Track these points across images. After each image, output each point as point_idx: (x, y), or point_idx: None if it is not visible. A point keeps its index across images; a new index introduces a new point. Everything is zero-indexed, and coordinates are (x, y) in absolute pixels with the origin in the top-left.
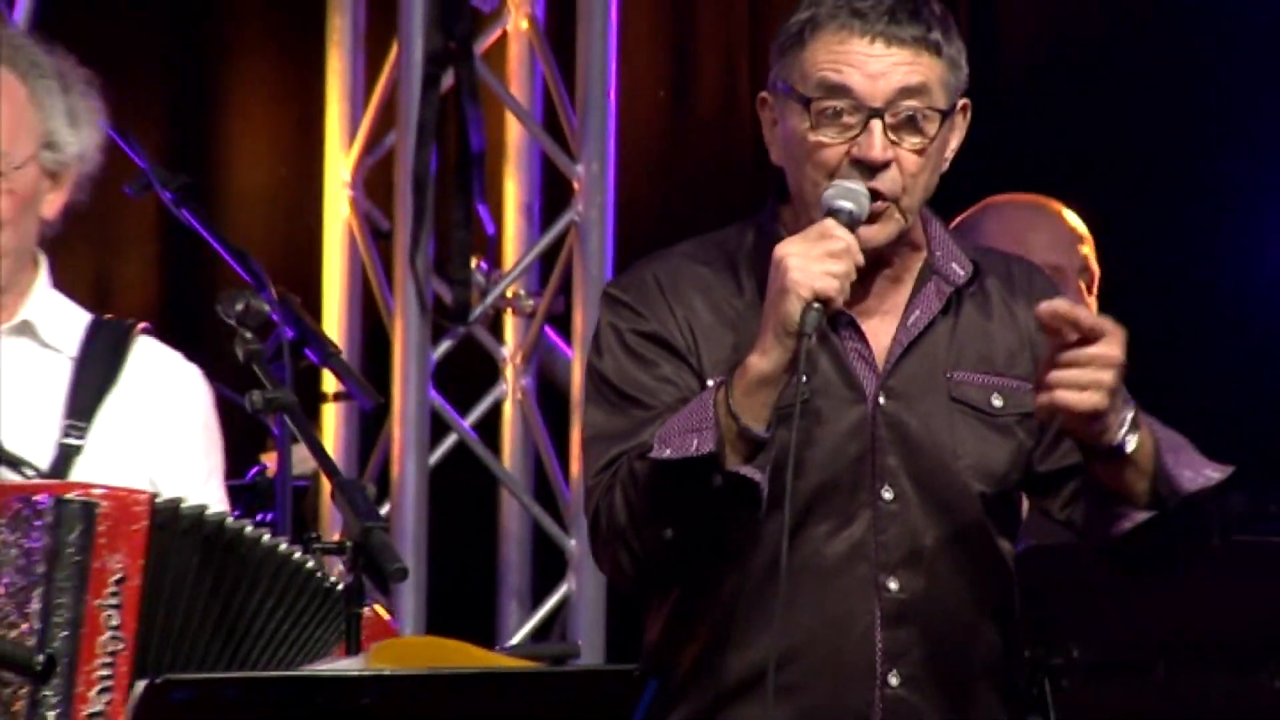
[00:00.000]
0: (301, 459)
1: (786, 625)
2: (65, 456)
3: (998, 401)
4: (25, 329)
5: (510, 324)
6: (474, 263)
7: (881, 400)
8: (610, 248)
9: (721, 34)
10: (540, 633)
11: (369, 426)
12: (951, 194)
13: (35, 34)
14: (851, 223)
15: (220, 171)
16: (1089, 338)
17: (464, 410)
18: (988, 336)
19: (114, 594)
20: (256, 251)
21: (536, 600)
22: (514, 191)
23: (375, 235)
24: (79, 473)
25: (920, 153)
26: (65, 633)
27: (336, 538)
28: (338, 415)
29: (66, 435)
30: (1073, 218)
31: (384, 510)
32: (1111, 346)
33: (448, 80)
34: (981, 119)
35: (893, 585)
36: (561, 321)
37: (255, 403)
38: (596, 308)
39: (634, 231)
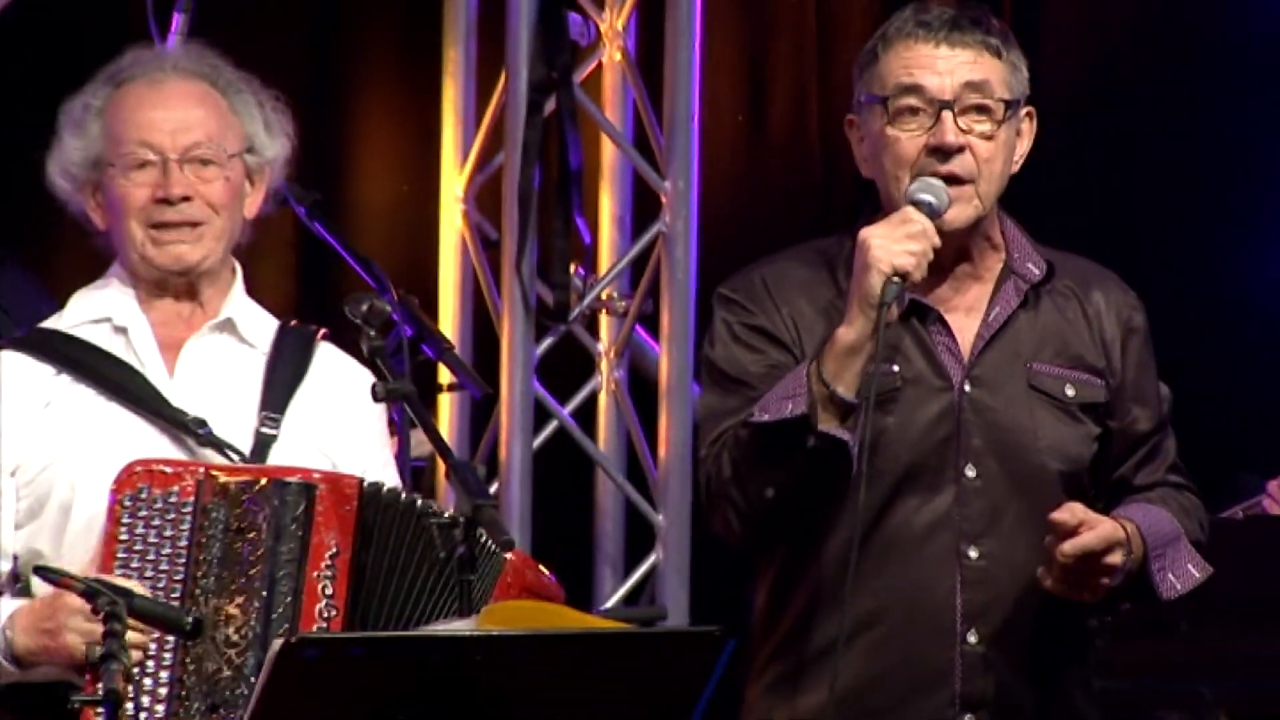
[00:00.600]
0: (419, 443)
1: (876, 589)
2: (263, 444)
3: (1070, 391)
4: (227, 325)
5: (605, 323)
6: (572, 268)
7: (967, 388)
8: (694, 255)
9: (793, 66)
10: (631, 598)
11: (479, 414)
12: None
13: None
14: (931, 213)
15: (348, 188)
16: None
17: (563, 400)
18: (1062, 332)
19: (329, 567)
20: (379, 259)
21: (628, 569)
22: (608, 205)
23: (485, 244)
24: (274, 459)
25: (989, 139)
26: (289, 599)
27: (450, 513)
28: (451, 404)
29: (263, 425)
30: None
31: (492, 489)
32: (1114, 558)
33: (550, 106)
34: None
35: (972, 554)
36: (650, 321)
37: (378, 393)
38: (682, 309)
39: (715, 241)
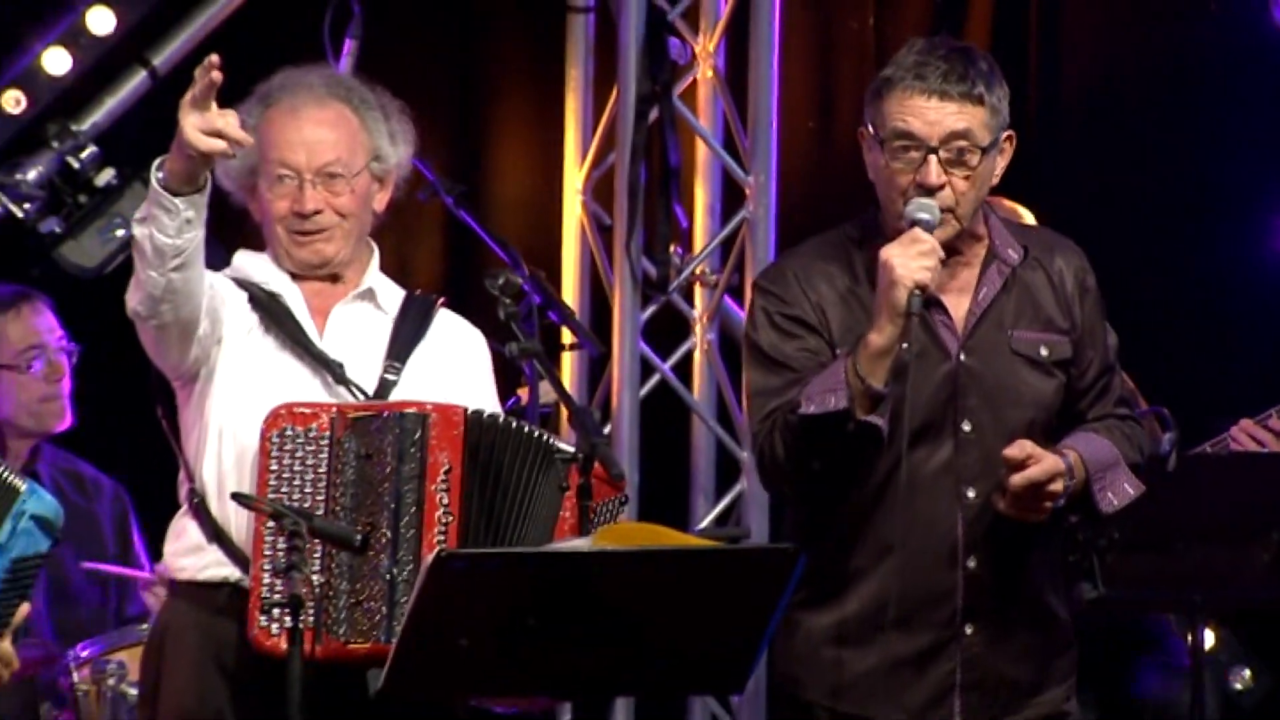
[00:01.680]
0: (546, 393)
1: (894, 524)
2: (385, 386)
3: (1045, 351)
4: (367, 295)
5: (699, 293)
6: (672, 248)
7: (963, 358)
8: (773, 237)
9: (854, 82)
10: (720, 520)
11: (595, 369)
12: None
13: (358, 77)
14: (927, 227)
15: (488, 182)
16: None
17: (665, 357)
18: (1036, 302)
19: (444, 481)
20: (513, 241)
21: (718, 496)
22: (702, 196)
23: (599, 229)
24: (393, 399)
25: (967, 178)
26: (413, 509)
27: (573, 449)
28: (572, 361)
29: (386, 371)
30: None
31: (605, 430)
32: (1056, 485)
33: (653, 114)
34: (1045, 139)
35: (970, 494)
36: (736, 291)
37: (512, 351)
38: (716, 284)
39: (789, 224)
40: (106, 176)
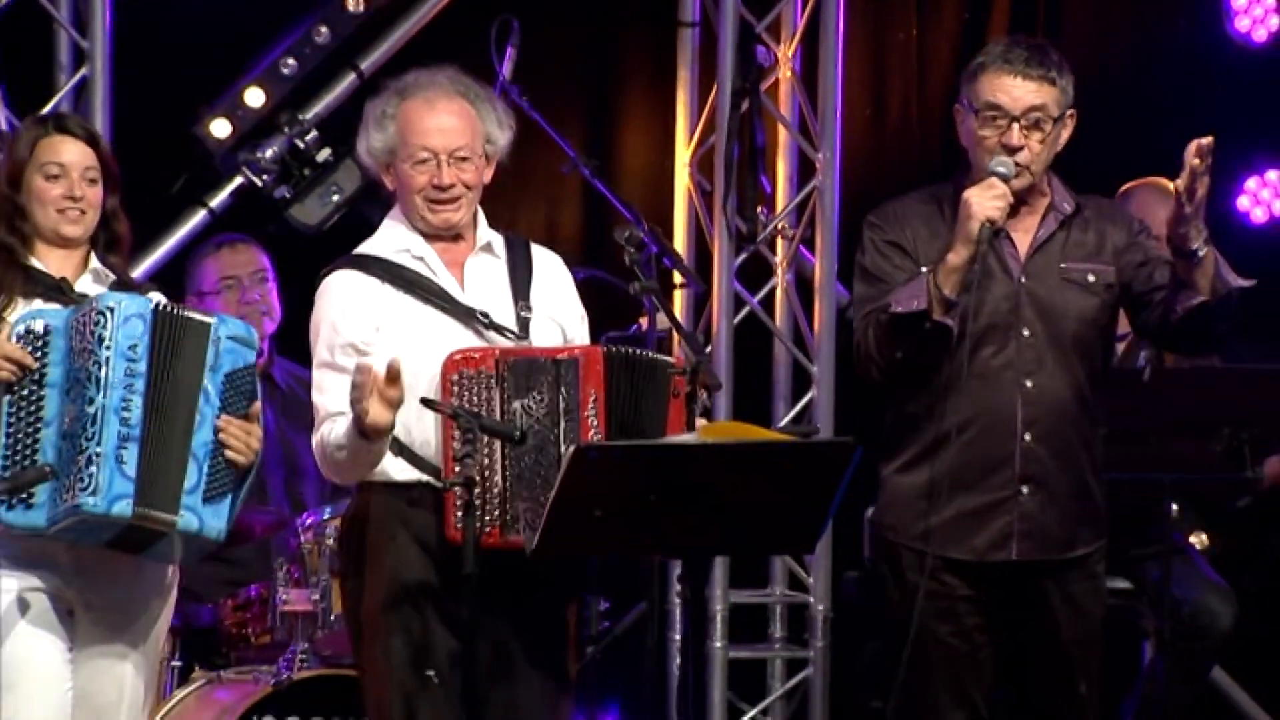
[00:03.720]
0: (661, 321)
1: (966, 406)
2: (524, 323)
3: (1091, 278)
4: (486, 248)
5: (779, 244)
6: (759, 209)
7: (1023, 279)
8: (836, 201)
9: (901, 79)
10: (795, 420)
11: (699, 303)
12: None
13: (516, 75)
14: (1004, 179)
15: (617, 158)
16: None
17: (753, 293)
18: (1084, 243)
19: (592, 406)
20: (636, 203)
21: (793, 401)
22: (781, 168)
23: (703, 194)
24: (534, 333)
25: (1040, 142)
26: (572, 432)
27: (681, 365)
28: (682, 296)
29: (521, 311)
30: None
31: (707, 350)
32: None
33: (744, 105)
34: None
35: (1028, 384)
36: (808, 242)
37: (635, 289)
38: (829, 236)
39: (850, 191)
40: (324, 154)
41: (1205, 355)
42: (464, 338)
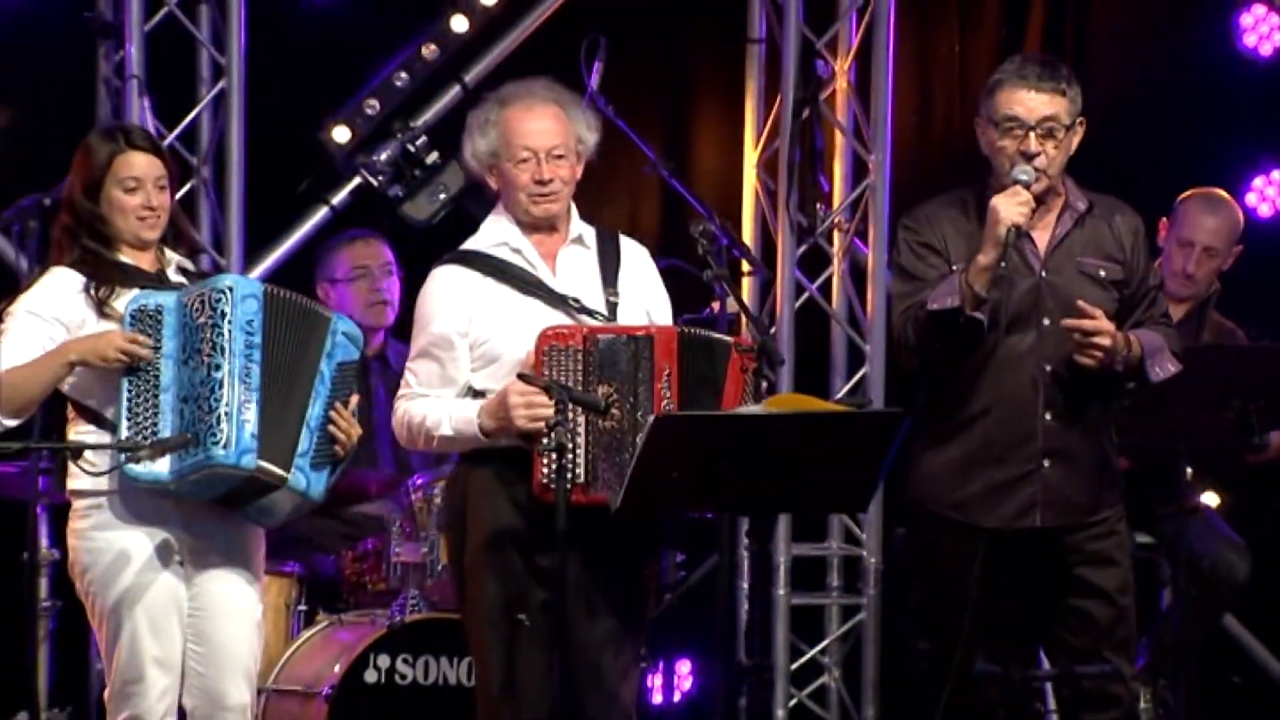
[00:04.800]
0: (730, 305)
1: (993, 388)
2: (612, 307)
3: (1103, 273)
4: (578, 240)
5: (836, 237)
6: (818, 206)
7: (1044, 274)
8: (886, 198)
9: (945, 89)
10: (850, 392)
11: (764, 288)
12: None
13: (603, 87)
14: (1025, 185)
15: (692, 159)
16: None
17: (812, 279)
18: (1098, 241)
19: (666, 379)
20: (709, 200)
21: (849, 375)
22: (838, 169)
23: (768, 192)
24: (620, 316)
25: (1055, 148)
26: (646, 400)
27: (748, 343)
28: (749, 283)
29: (610, 296)
30: (1238, 214)
31: (771, 330)
32: (1103, 339)
33: (805, 113)
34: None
35: (1048, 368)
36: (862, 235)
37: (708, 276)
38: (880, 230)
39: (899, 189)
40: (433, 157)
41: None
42: (557, 320)
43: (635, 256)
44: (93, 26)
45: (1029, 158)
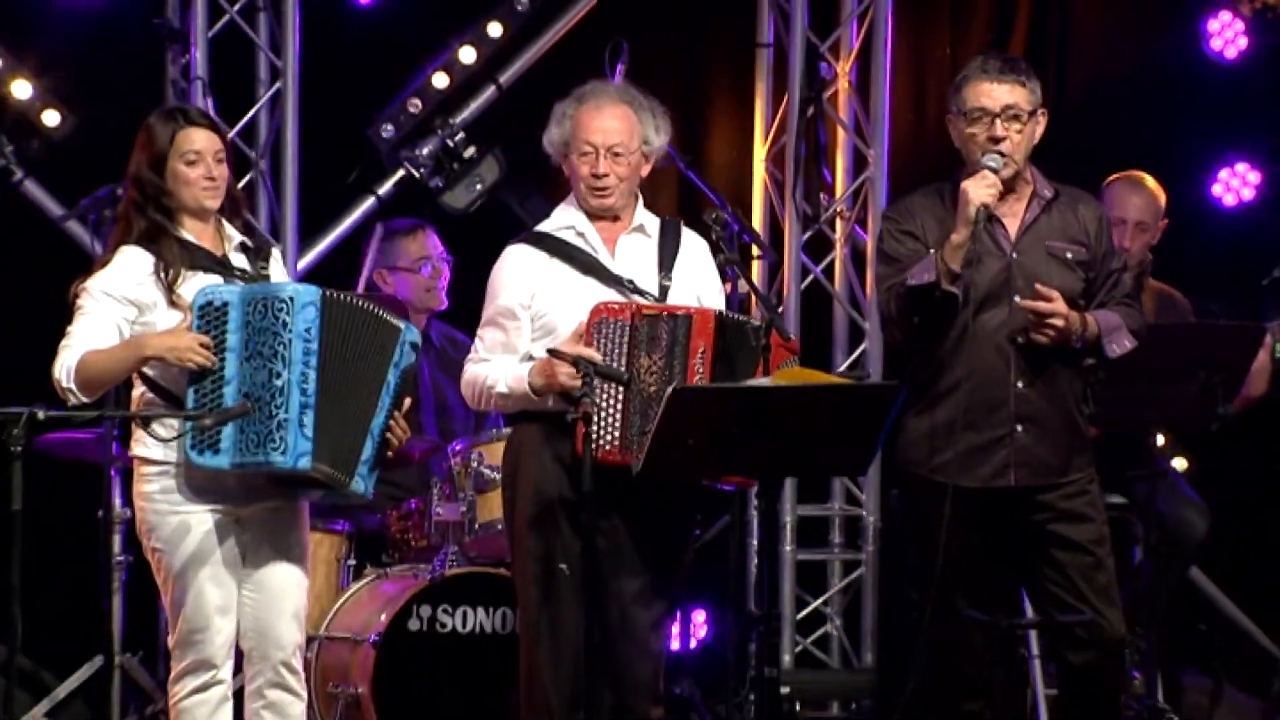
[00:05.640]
0: (741, 286)
1: (968, 361)
2: (664, 290)
3: (1069, 255)
4: (639, 229)
5: (839, 224)
6: (821, 195)
7: (1014, 256)
8: (884, 189)
9: (938, 89)
10: (851, 366)
11: (772, 271)
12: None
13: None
14: (994, 171)
15: (706, 153)
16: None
17: (816, 263)
18: (1064, 225)
19: (701, 355)
20: (722, 190)
21: (849, 351)
22: (840, 162)
23: (776, 183)
24: (671, 298)
25: (1019, 133)
26: (680, 373)
27: (760, 322)
28: (759, 266)
29: (663, 280)
30: (1159, 191)
31: (780, 309)
32: (1057, 320)
33: (810, 111)
34: (1058, 121)
35: (1019, 340)
36: (862, 223)
37: (720, 260)
38: (878, 217)
39: (896, 181)
40: (470, 152)
41: None
42: (610, 298)
43: (694, 247)
44: (161, 33)
45: (996, 142)
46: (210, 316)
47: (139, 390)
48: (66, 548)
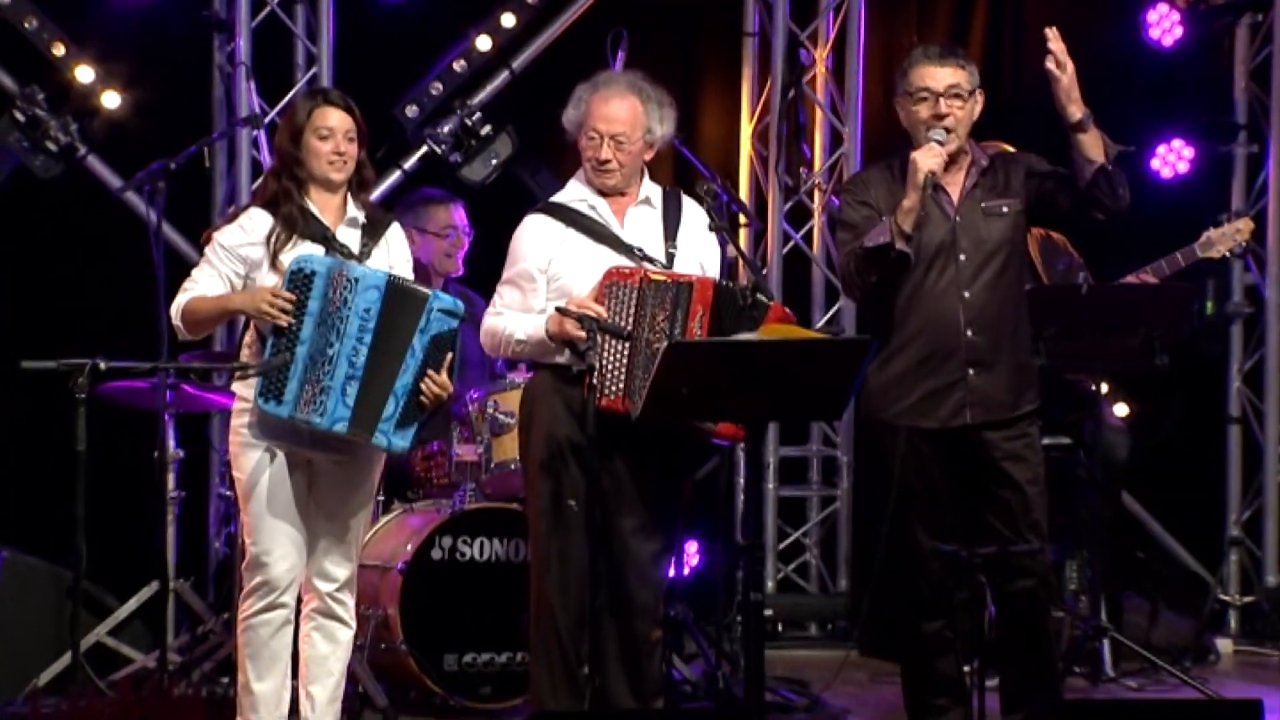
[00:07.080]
0: (730, 251)
1: (920, 315)
2: (670, 258)
3: (1005, 209)
4: (645, 201)
5: (817, 195)
6: (801, 169)
7: (957, 219)
8: (858, 164)
9: None
10: (828, 323)
11: (757, 238)
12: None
13: (624, 69)
14: (940, 143)
15: (698, 130)
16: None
17: (797, 230)
18: (997, 186)
19: (700, 318)
20: (711, 164)
21: (826, 309)
22: (818, 139)
23: (760, 158)
24: (677, 265)
25: (961, 109)
26: (680, 334)
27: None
28: (745, 233)
29: (669, 248)
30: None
31: (764, 271)
32: (1067, 67)
33: (791, 93)
34: (1014, 110)
35: (967, 295)
36: (838, 194)
37: (711, 227)
38: (826, 190)
39: (868, 156)
40: (486, 130)
41: (1120, 209)
42: (622, 264)
43: (695, 216)
44: (209, 23)
45: (941, 119)
46: (299, 282)
47: (250, 335)
48: (126, 485)
